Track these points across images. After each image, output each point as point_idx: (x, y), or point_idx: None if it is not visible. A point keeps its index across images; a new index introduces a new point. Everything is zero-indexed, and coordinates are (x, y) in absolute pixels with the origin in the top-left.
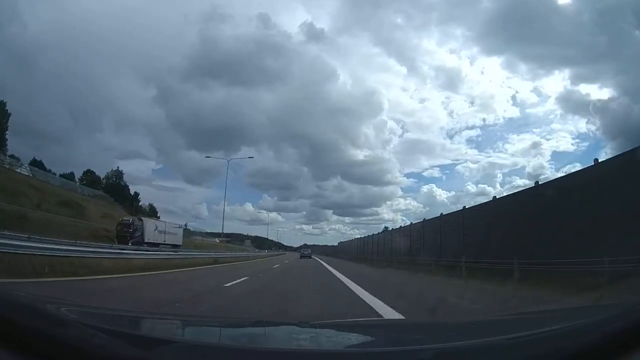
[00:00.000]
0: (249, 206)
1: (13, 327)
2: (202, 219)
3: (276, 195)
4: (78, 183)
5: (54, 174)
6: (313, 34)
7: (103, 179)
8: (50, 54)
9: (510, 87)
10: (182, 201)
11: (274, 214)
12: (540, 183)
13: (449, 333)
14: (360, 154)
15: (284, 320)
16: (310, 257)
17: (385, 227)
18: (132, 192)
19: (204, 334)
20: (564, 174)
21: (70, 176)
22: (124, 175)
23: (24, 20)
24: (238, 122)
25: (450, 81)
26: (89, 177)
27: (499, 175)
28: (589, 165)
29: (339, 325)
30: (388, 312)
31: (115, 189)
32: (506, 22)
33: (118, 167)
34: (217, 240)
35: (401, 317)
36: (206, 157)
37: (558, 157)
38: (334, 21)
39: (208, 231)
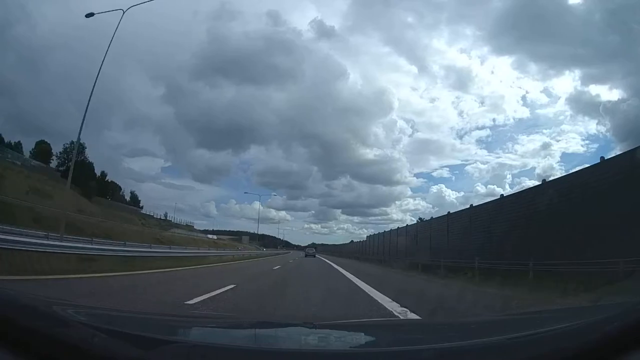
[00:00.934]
0: (257, 205)
1: (13, 327)
2: (211, 217)
3: (285, 194)
4: (29, 156)
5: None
6: (323, 32)
7: (61, 152)
8: (58, 53)
9: (520, 88)
10: (191, 199)
11: (282, 213)
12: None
13: (449, 333)
14: (370, 153)
15: (285, 321)
16: (314, 257)
17: (420, 218)
18: (112, 175)
19: (204, 334)
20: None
21: (17, 146)
22: (86, 150)
23: (32, 20)
24: (248, 121)
25: (461, 81)
26: (41, 149)
27: (509, 176)
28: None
29: (340, 326)
30: None
31: (75, 166)
32: (517, 21)
33: (79, 138)
34: (214, 237)
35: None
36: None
37: (568, 158)
38: (344, 19)
39: (215, 229)
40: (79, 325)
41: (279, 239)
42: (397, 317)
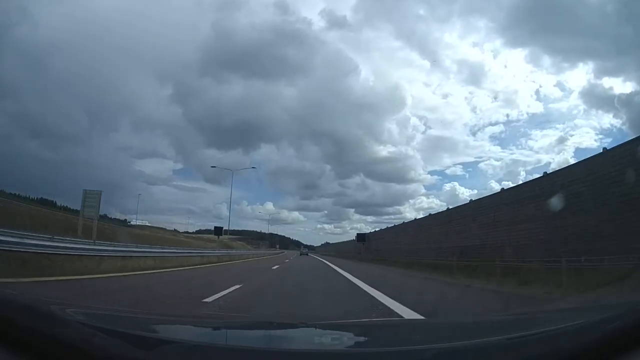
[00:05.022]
0: (269, 205)
1: (13, 327)
2: (222, 219)
3: (298, 194)
4: None
5: None
6: (333, 24)
7: None
8: (63, 54)
9: (534, 82)
10: (203, 201)
11: (295, 214)
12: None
13: (449, 333)
14: (383, 151)
15: (284, 321)
16: (307, 255)
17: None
18: None
19: (204, 334)
20: None
21: None
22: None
23: (34, 20)
24: (257, 119)
25: (474, 75)
26: None
27: (522, 172)
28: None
29: (340, 326)
30: None
31: None
32: (530, 12)
33: None
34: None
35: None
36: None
37: (581, 153)
38: (355, 13)
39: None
40: (79, 326)
41: (289, 239)
42: (397, 317)
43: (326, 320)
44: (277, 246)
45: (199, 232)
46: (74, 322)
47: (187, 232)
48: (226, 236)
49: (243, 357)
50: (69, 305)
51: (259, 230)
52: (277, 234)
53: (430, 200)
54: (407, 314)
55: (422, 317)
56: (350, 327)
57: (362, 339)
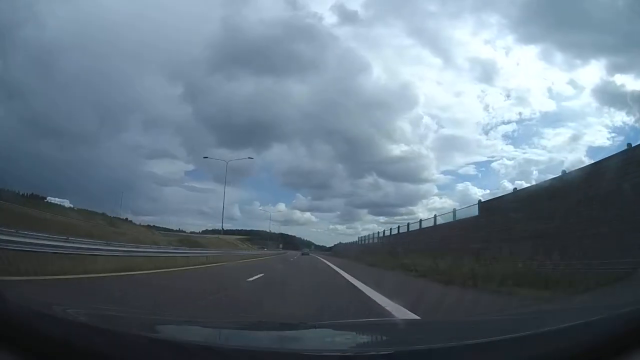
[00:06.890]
0: (282, 206)
1: (13, 327)
2: (235, 219)
3: (310, 194)
4: None
5: None
6: (345, 19)
7: None
8: (69, 54)
9: (546, 79)
10: (215, 202)
11: (307, 214)
12: None
13: (448, 333)
14: (396, 150)
15: (283, 321)
16: (309, 255)
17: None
18: None
19: (204, 335)
20: None
21: None
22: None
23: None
24: (268, 117)
25: (486, 73)
26: None
27: (535, 172)
28: None
29: (339, 326)
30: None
31: None
32: (542, 7)
33: None
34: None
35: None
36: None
37: (594, 152)
38: (365, 9)
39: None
40: (79, 326)
41: (301, 239)
42: (396, 316)
43: (326, 320)
44: (280, 246)
45: (205, 232)
46: (74, 322)
47: (194, 232)
48: (233, 236)
49: (243, 358)
50: (68, 306)
51: (269, 231)
52: (288, 235)
53: (443, 200)
54: None
55: (420, 317)
56: (350, 327)
57: (360, 339)
